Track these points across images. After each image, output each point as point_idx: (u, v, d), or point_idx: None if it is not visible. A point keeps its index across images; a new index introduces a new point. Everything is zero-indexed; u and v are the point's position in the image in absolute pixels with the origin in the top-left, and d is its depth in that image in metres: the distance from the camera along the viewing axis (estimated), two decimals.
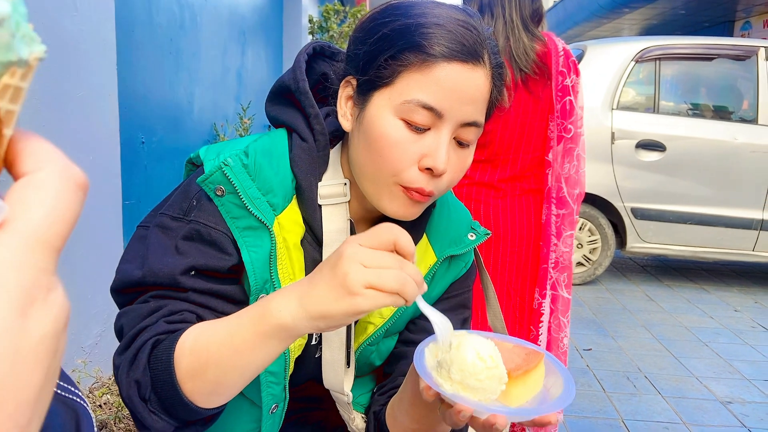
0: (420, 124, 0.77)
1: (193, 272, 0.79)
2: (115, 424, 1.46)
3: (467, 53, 0.77)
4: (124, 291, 0.82)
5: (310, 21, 6.37)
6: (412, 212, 0.83)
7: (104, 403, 1.57)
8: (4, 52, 0.25)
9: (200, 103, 3.31)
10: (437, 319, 0.72)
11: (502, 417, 0.66)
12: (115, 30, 1.91)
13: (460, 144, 0.81)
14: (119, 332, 0.79)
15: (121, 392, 0.74)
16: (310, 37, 6.43)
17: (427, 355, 0.73)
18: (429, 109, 0.76)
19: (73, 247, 1.80)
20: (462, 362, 0.66)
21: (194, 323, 0.76)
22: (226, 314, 0.74)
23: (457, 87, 0.77)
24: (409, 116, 0.77)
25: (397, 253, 0.65)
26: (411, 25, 0.77)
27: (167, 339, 0.73)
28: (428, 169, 0.78)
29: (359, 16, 6.69)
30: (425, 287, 0.66)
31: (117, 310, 0.81)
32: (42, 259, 0.26)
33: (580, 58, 4.64)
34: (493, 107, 0.84)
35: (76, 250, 1.82)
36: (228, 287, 0.81)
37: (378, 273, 0.62)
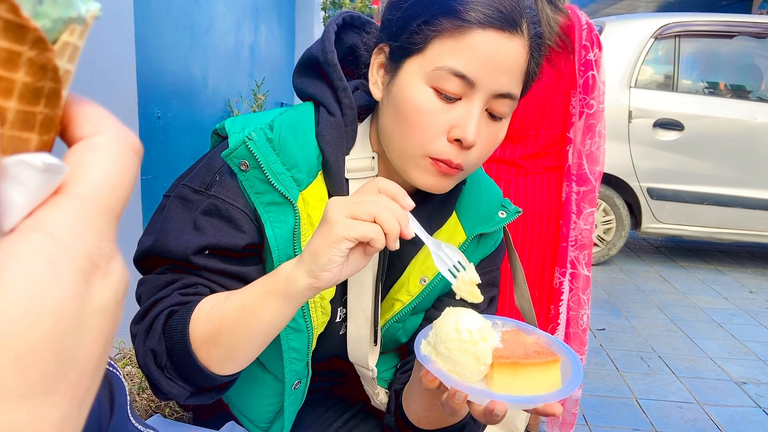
0: (451, 93, 0.75)
1: (207, 252, 0.78)
2: (138, 394, 1.48)
3: (504, 21, 0.74)
4: (142, 262, 0.82)
5: None
6: (443, 184, 0.81)
7: (126, 375, 1.59)
8: (65, 8, 0.24)
9: (214, 79, 3.29)
10: (438, 250, 0.73)
11: (502, 404, 0.65)
12: (133, 3, 1.89)
13: (493, 117, 0.79)
14: (138, 299, 0.81)
15: (138, 359, 0.75)
16: (323, 13, 6.35)
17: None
18: (461, 77, 0.74)
19: None
20: (439, 327, 0.67)
21: (208, 296, 0.77)
22: None
23: (492, 56, 0.74)
24: (440, 84, 0.75)
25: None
26: None
27: (182, 309, 0.74)
28: (457, 140, 0.76)
29: None
30: (407, 222, 0.67)
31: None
32: (104, 225, 0.25)
33: (598, 34, 4.56)
34: (530, 80, 0.82)
35: None
36: (242, 268, 0.81)
37: (355, 203, 0.65)
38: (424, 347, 0.69)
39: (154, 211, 0.87)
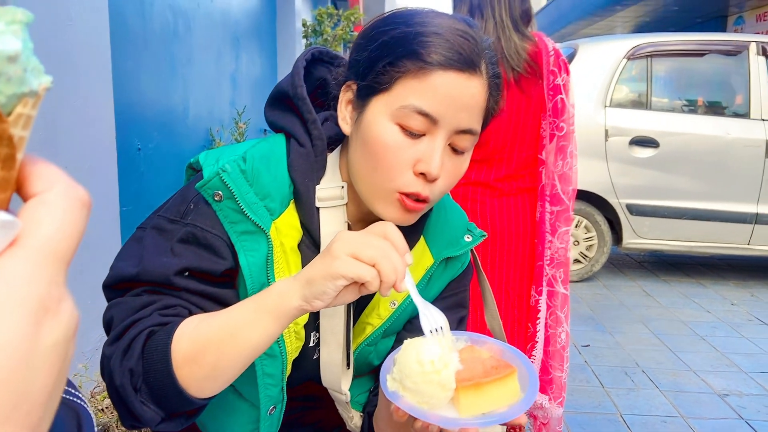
0: (415, 130, 0.79)
1: (186, 273, 0.80)
2: (117, 427, 1.48)
3: (464, 62, 0.78)
4: (115, 287, 0.83)
5: (304, 25, 6.39)
6: (407, 218, 0.84)
7: (106, 407, 1.59)
8: (18, 85, 0.27)
9: (195, 109, 3.33)
10: (426, 310, 0.76)
11: (474, 429, 0.68)
12: (109, 39, 1.93)
13: (455, 151, 0.83)
14: (108, 324, 0.81)
15: (114, 381, 0.74)
16: (304, 41, 6.45)
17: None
18: (424, 114, 0.78)
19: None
20: (402, 363, 0.70)
21: (187, 317, 0.78)
22: None
23: (453, 95, 0.78)
24: (405, 121, 0.79)
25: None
26: (410, 33, 0.79)
27: (162, 330, 0.75)
28: (422, 174, 0.80)
29: (352, 19, 6.71)
30: (404, 276, 0.70)
31: None
32: (53, 272, 0.28)
33: (572, 56, 4.67)
34: (489, 116, 0.86)
35: (75, 257, 1.83)
36: (220, 290, 0.83)
37: (360, 243, 0.69)
38: (390, 383, 0.71)
39: (128, 240, 0.88)
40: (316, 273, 0.69)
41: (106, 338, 0.77)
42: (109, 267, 0.84)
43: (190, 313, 0.80)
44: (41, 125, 1.64)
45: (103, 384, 1.85)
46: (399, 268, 0.69)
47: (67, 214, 0.30)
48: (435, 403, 0.69)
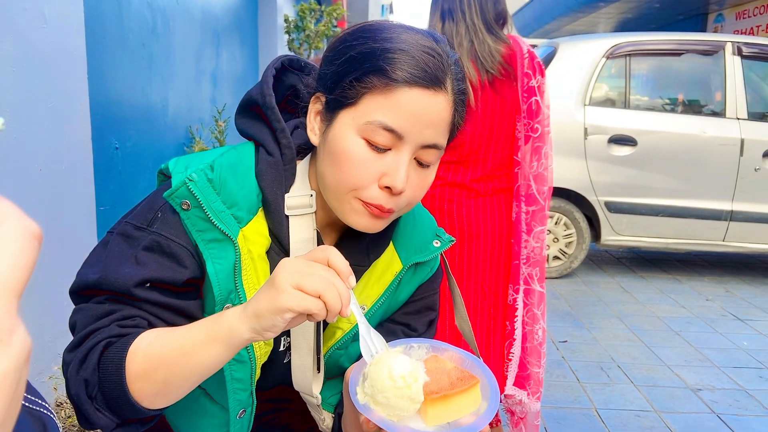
0: (381, 145, 0.81)
1: (148, 284, 0.81)
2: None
3: (429, 79, 0.80)
4: (81, 293, 0.85)
5: (286, 20, 6.37)
6: (375, 225, 0.86)
7: None
8: None
9: (175, 107, 3.31)
10: (367, 335, 0.78)
11: None
12: (85, 40, 1.91)
13: (421, 164, 0.84)
14: (72, 328, 0.83)
15: (69, 389, 0.77)
16: (286, 36, 6.42)
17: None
18: (390, 130, 0.79)
19: (47, 255, 1.81)
20: (374, 378, 0.72)
21: (146, 329, 0.79)
22: (177, 326, 0.79)
23: (418, 111, 0.80)
24: (371, 136, 0.80)
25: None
26: (377, 49, 0.80)
27: (119, 342, 0.77)
28: (387, 187, 0.82)
29: (335, 15, 6.70)
30: (349, 302, 0.72)
31: None
32: (5, 304, 0.30)
33: (552, 55, 4.72)
34: (456, 130, 0.88)
35: (51, 257, 1.83)
36: (181, 302, 0.84)
37: (304, 275, 0.70)
38: (361, 396, 0.73)
39: (97, 244, 0.90)
40: (264, 307, 0.70)
41: None
42: (76, 272, 0.85)
43: (150, 325, 0.81)
44: (15, 128, 1.64)
45: None
46: (344, 295, 0.71)
47: (18, 248, 0.31)
48: (404, 415, 0.72)
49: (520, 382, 2.05)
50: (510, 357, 2.05)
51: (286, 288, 0.69)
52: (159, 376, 0.74)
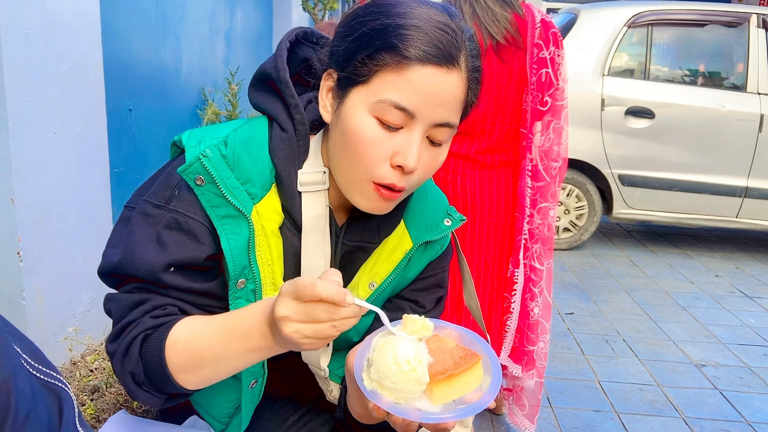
0: (392, 124, 0.80)
1: (172, 268, 0.83)
2: (106, 389, 1.53)
3: (442, 57, 0.78)
4: (110, 275, 0.87)
5: None
6: (383, 207, 0.86)
7: (96, 368, 1.64)
8: None
9: (188, 69, 3.29)
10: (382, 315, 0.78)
11: (451, 423, 0.74)
12: (98, 0, 1.90)
13: (433, 143, 0.84)
14: (109, 313, 0.87)
15: (118, 377, 0.84)
16: None
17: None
18: (401, 109, 0.79)
19: (63, 216, 1.84)
20: (379, 364, 0.73)
21: (178, 315, 0.83)
22: (205, 307, 0.85)
23: (431, 90, 0.78)
24: (383, 115, 0.79)
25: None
26: (389, 25, 0.79)
27: (155, 333, 0.81)
28: (399, 166, 0.81)
29: None
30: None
31: None
32: None
33: (572, 22, 4.61)
34: (469, 108, 0.86)
35: (67, 219, 1.85)
36: (205, 284, 0.86)
37: (312, 329, 0.71)
38: (368, 383, 0.74)
39: (117, 222, 0.91)
40: (288, 348, 0.76)
41: (95, 300, 0.84)
42: (102, 253, 0.88)
43: (180, 310, 0.85)
44: (30, 90, 1.64)
45: (94, 345, 1.90)
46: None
47: None
48: (411, 397, 0.73)
49: (517, 356, 2.07)
50: (506, 330, 2.06)
51: (300, 340, 0.71)
52: (204, 372, 0.80)
